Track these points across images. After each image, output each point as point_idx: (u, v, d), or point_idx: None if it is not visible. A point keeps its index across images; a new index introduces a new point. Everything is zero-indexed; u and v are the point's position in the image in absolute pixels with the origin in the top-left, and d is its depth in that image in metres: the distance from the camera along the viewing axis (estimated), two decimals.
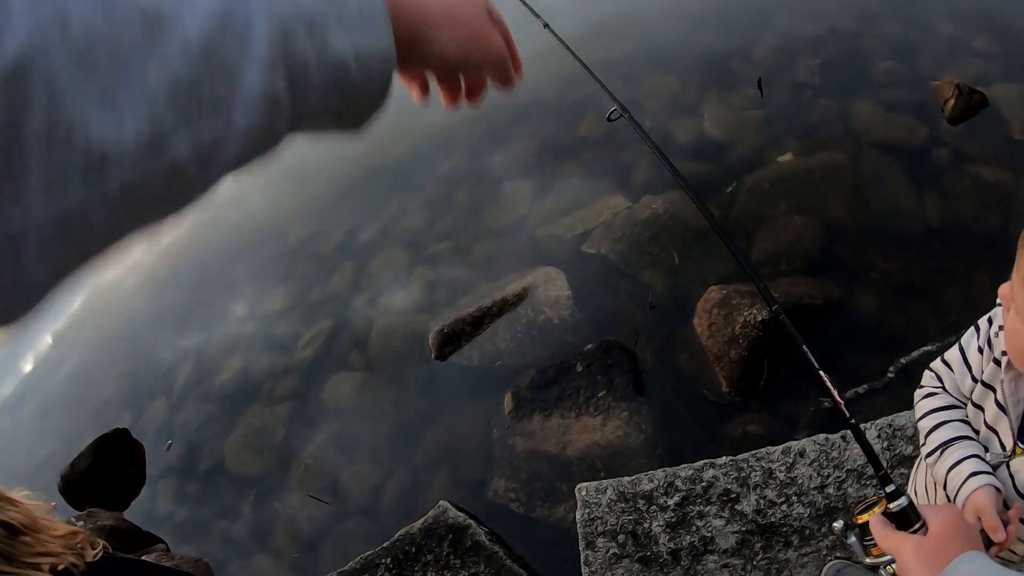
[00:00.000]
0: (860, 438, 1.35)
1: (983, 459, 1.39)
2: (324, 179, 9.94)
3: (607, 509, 3.20)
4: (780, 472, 3.00)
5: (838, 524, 1.33)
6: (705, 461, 3.18)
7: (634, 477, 3.27)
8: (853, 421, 1.37)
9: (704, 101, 6.13)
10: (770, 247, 4.50)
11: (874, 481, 1.38)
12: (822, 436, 3.07)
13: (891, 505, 1.20)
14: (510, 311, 5.13)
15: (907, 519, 1.19)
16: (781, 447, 3.11)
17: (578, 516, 3.26)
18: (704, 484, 3.10)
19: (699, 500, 3.06)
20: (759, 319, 3.75)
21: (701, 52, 6.92)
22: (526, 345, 4.87)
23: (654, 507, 3.12)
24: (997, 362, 1.33)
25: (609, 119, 2.64)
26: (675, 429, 3.85)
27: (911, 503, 1.20)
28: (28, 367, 12.21)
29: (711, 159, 5.45)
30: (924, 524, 1.16)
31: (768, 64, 6.15)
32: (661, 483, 3.18)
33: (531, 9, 3.15)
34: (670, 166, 2.17)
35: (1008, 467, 1.27)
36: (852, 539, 1.27)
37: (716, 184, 5.16)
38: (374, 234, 7.47)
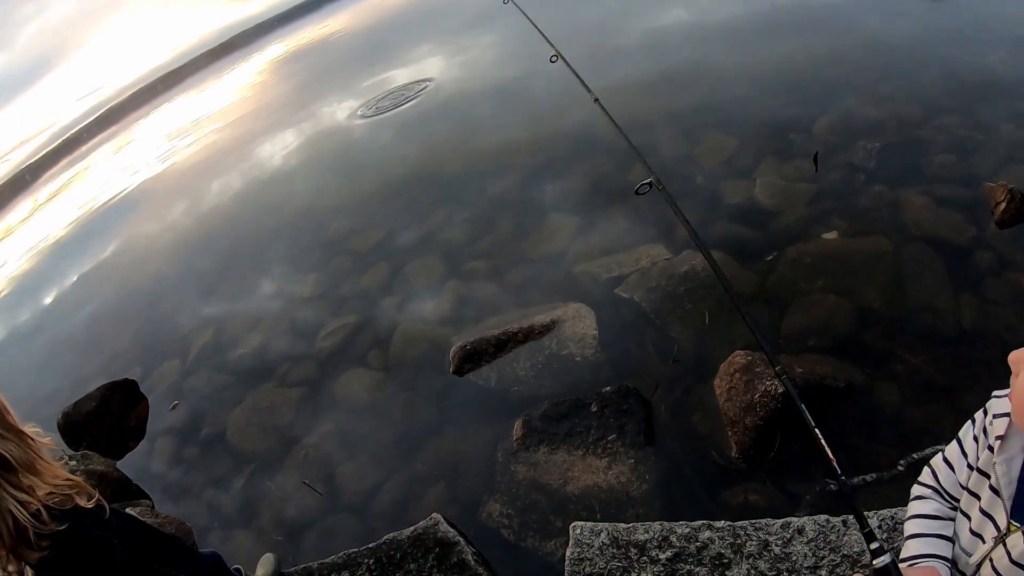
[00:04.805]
0: (851, 500, 1.46)
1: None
2: (374, 177, 10.11)
3: (598, 552, 3.20)
4: (776, 546, 3.00)
5: None
6: (703, 522, 3.18)
7: (631, 525, 3.28)
8: (843, 478, 1.48)
9: (758, 167, 6.19)
10: (801, 321, 4.51)
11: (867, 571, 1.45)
12: (823, 517, 3.05)
13: (875, 561, 1.28)
14: (535, 340, 5.17)
15: None
16: (781, 521, 3.10)
17: (568, 553, 3.25)
18: (699, 544, 3.10)
19: (691, 559, 3.06)
20: (780, 391, 3.74)
21: (763, 117, 6.98)
22: (545, 376, 4.90)
23: (645, 558, 3.12)
24: (991, 448, 1.38)
25: (637, 192, 2.69)
26: (678, 485, 3.84)
27: (894, 562, 1.26)
28: (48, 300, 12.39)
29: (756, 224, 5.49)
30: None
31: (827, 140, 6.20)
32: (656, 535, 3.18)
33: (584, 84, 3.34)
34: (697, 239, 2.22)
35: (1005, 544, 1.32)
36: None
37: (757, 250, 5.21)
38: (413, 240, 7.58)
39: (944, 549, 1.50)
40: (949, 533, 1.52)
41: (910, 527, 1.57)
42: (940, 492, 1.57)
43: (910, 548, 1.52)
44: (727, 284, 2.04)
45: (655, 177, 2.69)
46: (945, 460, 1.58)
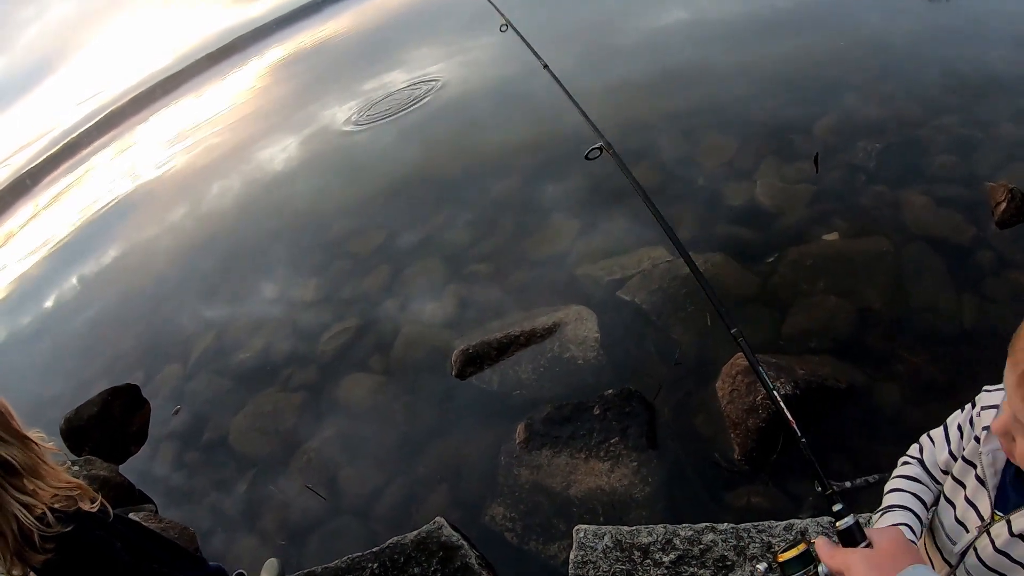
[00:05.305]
0: (808, 456, 1.44)
1: (909, 527, 1.50)
2: (375, 178, 10.10)
3: (602, 555, 3.21)
4: (779, 548, 3.00)
5: (761, 566, 1.39)
6: (706, 524, 3.19)
7: (634, 528, 3.28)
8: (804, 441, 1.47)
9: (759, 168, 6.20)
10: (803, 322, 4.51)
11: None
12: (826, 519, 3.05)
13: (838, 523, 1.27)
14: (537, 343, 5.18)
15: (853, 538, 1.25)
16: (784, 523, 3.11)
17: (571, 557, 3.25)
18: (702, 547, 3.10)
19: (694, 562, 3.06)
20: (782, 393, 3.74)
21: (763, 118, 6.98)
22: (547, 379, 4.90)
23: (649, 561, 3.12)
24: (977, 439, 1.40)
25: (587, 158, 2.66)
26: (681, 487, 3.85)
27: (857, 523, 1.26)
28: (49, 304, 12.35)
29: (757, 226, 5.49)
30: (870, 543, 1.21)
31: (827, 141, 6.20)
32: (660, 538, 3.19)
33: (534, 52, 3.33)
34: (652, 207, 2.21)
35: (989, 534, 1.33)
36: None
37: (758, 252, 5.21)
38: (415, 243, 7.57)
39: (919, 508, 1.55)
40: (927, 498, 1.57)
41: (891, 484, 1.63)
42: (924, 465, 1.61)
43: (888, 500, 1.59)
44: (672, 235, 2.03)
45: (605, 141, 2.68)
46: (930, 439, 1.62)
